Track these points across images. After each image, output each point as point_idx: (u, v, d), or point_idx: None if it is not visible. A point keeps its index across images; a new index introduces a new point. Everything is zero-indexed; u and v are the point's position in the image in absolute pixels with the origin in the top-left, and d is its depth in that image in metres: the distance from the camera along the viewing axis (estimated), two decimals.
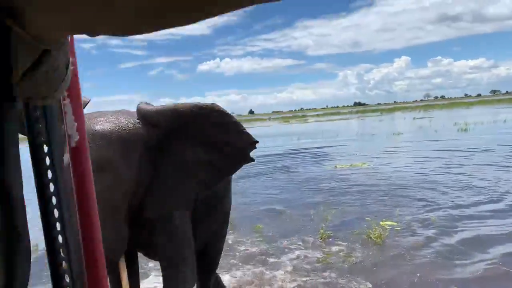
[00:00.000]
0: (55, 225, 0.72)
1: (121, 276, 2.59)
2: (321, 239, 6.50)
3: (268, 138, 27.37)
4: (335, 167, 13.28)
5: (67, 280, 0.74)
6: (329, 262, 5.58)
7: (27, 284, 0.58)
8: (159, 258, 2.90)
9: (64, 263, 0.73)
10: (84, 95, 2.28)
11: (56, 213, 0.72)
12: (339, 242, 6.35)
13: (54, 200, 0.71)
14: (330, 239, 6.51)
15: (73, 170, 0.85)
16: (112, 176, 2.35)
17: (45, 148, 0.70)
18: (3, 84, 0.49)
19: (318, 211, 8.02)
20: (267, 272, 5.25)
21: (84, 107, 2.13)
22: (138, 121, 2.60)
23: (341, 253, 5.90)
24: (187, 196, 2.82)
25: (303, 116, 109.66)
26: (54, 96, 0.63)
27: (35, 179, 0.70)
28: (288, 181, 11.47)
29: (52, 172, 0.71)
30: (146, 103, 2.79)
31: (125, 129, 2.48)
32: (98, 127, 2.43)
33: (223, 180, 3.03)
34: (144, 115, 2.64)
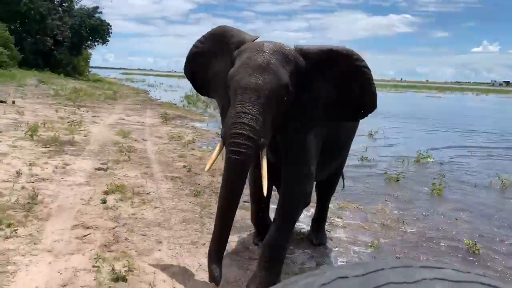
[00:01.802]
0: None
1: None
2: None
3: None
4: None
5: None
6: None
7: None
8: (287, 173, 3.19)
9: None
10: None
11: None
12: None
13: None
14: None
15: None
16: (273, 75, 2.72)
17: None
18: None
19: None
20: None
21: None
22: (294, 50, 2.99)
23: None
24: (316, 125, 3.14)
25: None
26: None
27: None
28: None
29: None
30: (300, 45, 3.13)
31: (286, 49, 2.90)
32: (268, 44, 2.87)
33: (348, 120, 3.32)
34: (300, 48, 3.02)
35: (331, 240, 4.46)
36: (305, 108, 3.02)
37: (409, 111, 26.66)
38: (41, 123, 8.82)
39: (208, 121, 14.78)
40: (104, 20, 39.98)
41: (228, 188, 2.71)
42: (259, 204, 3.77)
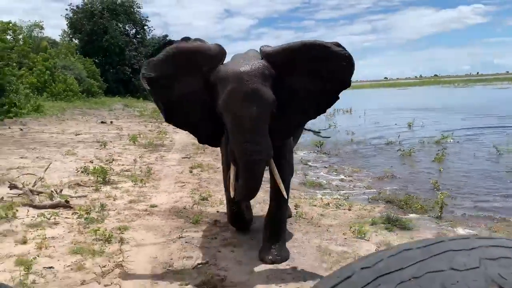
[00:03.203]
0: None
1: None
2: None
3: None
4: None
5: None
6: None
7: None
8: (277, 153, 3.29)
9: None
10: None
11: None
12: None
13: None
14: None
15: None
16: (262, 98, 2.99)
17: None
18: None
19: None
20: None
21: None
22: (263, 60, 3.16)
23: None
24: (297, 126, 3.56)
25: None
26: None
27: None
28: None
29: None
30: (267, 45, 3.31)
31: (260, 66, 3.07)
32: (243, 67, 3.03)
33: (330, 106, 3.44)
34: (266, 55, 3.20)
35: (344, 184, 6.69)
36: (289, 106, 3.29)
37: (459, 103, 27.35)
38: (138, 134, 11.77)
39: None
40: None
41: (252, 190, 3.15)
42: (238, 205, 3.98)
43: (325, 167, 8.40)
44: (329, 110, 15.97)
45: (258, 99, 2.98)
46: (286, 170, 3.64)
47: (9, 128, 12.75)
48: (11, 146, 9.46)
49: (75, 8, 37.52)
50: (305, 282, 3.08)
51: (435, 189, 6.17)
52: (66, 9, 38.79)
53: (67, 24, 37.83)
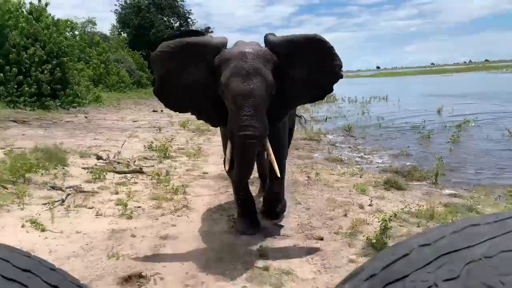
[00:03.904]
0: None
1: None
2: None
3: None
4: None
5: None
6: None
7: None
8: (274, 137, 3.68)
9: None
10: None
11: None
12: None
13: None
14: None
15: None
16: (262, 77, 3.20)
17: None
18: None
19: None
20: None
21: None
22: (266, 49, 3.41)
23: None
24: (293, 107, 3.90)
25: None
26: None
27: None
28: None
29: None
30: (272, 34, 3.56)
31: (263, 51, 3.36)
32: (248, 51, 3.29)
33: (325, 94, 3.76)
34: (270, 44, 3.47)
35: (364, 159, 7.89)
36: (286, 94, 3.55)
37: (497, 90, 27.37)
38: (186, 121, 13.31)
39: (300, 111, 18.47)
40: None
41: (245, 171, 3.40)
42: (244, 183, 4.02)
43: (350, 147, 9.61)
44: (364, 98, 17.46)
45: (258, 78, 3.20)
46: (280, 151, 3.92)
47: (76, 116, 14.66)
48: (82, 130, 11.23)
49: (123, 3, 39.83)
50: (314, 217, 4.43)
51: (440, 164, 7.28)
52: (115, 5, 41.24)
53: (116, 19, 40.27)
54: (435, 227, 0.71)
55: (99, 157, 6.81)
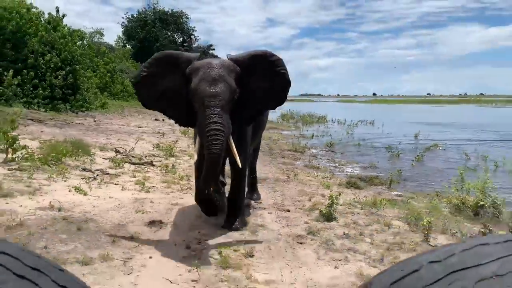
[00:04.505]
0: None
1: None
2: None
3: None
4: None
5: None
6: None
7: None
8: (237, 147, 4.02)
9: None
10: None
11: None
12: None
13: None
14: None
15: None
16: (228, 85, 3.76)
17: None
18: None
19: None
20: None
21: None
22: (231, 62, 4.01)
23: None
24: (254, 114, 4.25)
25: None
26: None
27: None
28: None
29: None
30: (231, 54, 4.19)
31: (227, 62, 3.95)
32: (215, 62, 3.87)
33: (277, 105, 4.29)
34: (233, 59, 4.08)
35: (335, 166, 9.36)
36: (247, 102, 4.01)
37: (476, 121, 29.20)
38: (187, 129, 14.76)
39: (292, 130, 20.06)
40: (216, 55, 47.73)
41: (211, 171, 3.69)
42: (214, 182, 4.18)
43: (328, 159, 11.12)
44: (353, 121, 19.31)
45: (222, 83, 3.72)
46: (243, 162, 4.31)
47: (85, 119, 16.08)
48: (93, 131, 12.63)
49: (130, 17, 41.63)
50: (286, 200, 5.87)
51: (398, 175, 8.77)
52: (122, 18, 43.01)
53: (122, 31, 42.01)
54: (444, 245, 0.73)
55: (117, 151, 8.24)
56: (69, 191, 5.36)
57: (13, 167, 6.06)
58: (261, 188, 6.44)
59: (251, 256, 3.74)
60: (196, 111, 3.85)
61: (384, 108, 64.34)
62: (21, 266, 0.66)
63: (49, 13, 19.52)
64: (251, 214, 5.03)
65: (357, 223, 4.93)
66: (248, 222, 4.67)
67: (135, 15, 41.63)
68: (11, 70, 15.93)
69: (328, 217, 4.90)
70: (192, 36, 45.11)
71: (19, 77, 16.31)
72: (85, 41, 27.98)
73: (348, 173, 8.98)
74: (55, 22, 19.23)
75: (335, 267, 3.64)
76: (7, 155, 6.35)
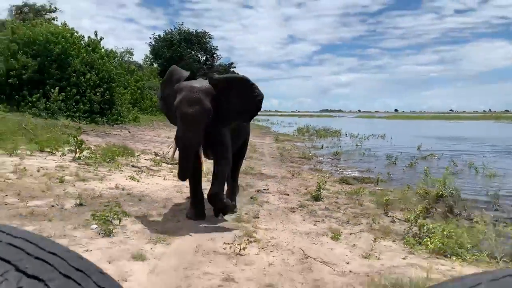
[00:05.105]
0: None
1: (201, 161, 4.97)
2: None
3: None
4: None
5: None
6: None
7: None
8: (216, 155, 5.26)
9: None
10: None
11: None
12: None
13: None
14: None
15: None
16: (201, 106, 4.61)
17: None
18: None
19: None
20: None
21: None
22: (209, 84, 4.87)
23: None
24: (229, 123, 5.12)
25: None
26: None
27: None
28: None
29: None
30: (214, 75, 5.29)
31: (206, 86, 4.77)
32: (195, 85, 4.75)
33: (250, 118, 5.40)
34: (212, 81, 4.93)
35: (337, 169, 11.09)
36: (223, 114, 4.93)
37: (483, 135, 30.42)
38: None
39: (305, 142, 21.83)
40: (237, 73, 50.09)
41: (183, 169, 4.80)
42: (196, 183, 5.34)
43: (331, 164, 12.85)
44: (364, 134, 21.27)
45: (198, 105, 4.61)
46: (224, 153, 5.23)
47: (121, 131, 18.20)
48: (130, 140, 14.65)
49: (157, 37, 44.36)
50: (288, 189, 7.66)
51: (388, 177, 10.46)
52: (150, 38, 45.78)
53: (149, 51, 44.71)
54: (471, 274, 0.71)
55: (156, 153, 10.19)
56: (126, 179, 7.28)
57: (82, 163, 8.04)
58: (269, 183, 8.24)
59: (257, 217, 5.54)
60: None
61: (401, 123, 65.47)
62: (67, 266, 0.69)
63: (89, 37, 21.97)
64: (260, 195, 6.85)
65: (337, 203, 6.71)
66: (256, 199, 6.48)
67: (161, 36, 44.36)
68: (57, 88, 18.30)
69: (316, 198, 6.68)
70: (215, 55, 47.50)
71: (63, 93, 18.60)
72: (116, 60, 30.46)
73: (346, 175, 10.69)
74: (93, 44, 21.62)
75: (314, 225, 5.41)
76: (75, 154, 8.34)
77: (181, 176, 4.97)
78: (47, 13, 37.44)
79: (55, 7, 38.15)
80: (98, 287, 0.71)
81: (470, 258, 4.31)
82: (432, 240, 4.53)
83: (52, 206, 5.18)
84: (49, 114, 17.39)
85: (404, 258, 4.25)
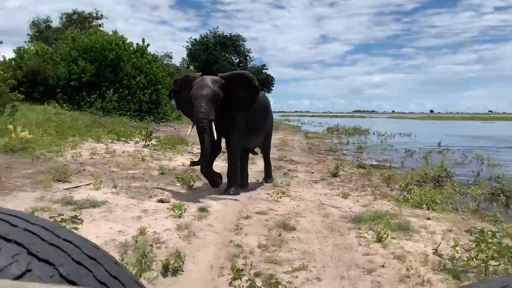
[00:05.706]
0: None
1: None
2: None
3: None
4: None
5: None
6: None
7: None
8: (231, 135, 6.58)
9: None
10: None
11: None
12: None
13: None
14: None
15: None
16: (211, 89, 5.90)
17: None
18: None
19: None
20: None
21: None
22: (218, 78, 6.24)
23: None
24: (237, 108, 6.28)
25: None
26: None
27: None
28: None
29: None
30: (222, 73, 6.54)
31: (215, 78, 6.15)
32: (206, 76, 6.20)
33: (250, 104, 6.33)
34: (221, 76, 6.34)
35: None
36: (231, 101, 6.19)
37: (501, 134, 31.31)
38: None
39: (333, 139, 23.62)
40: (270, 74, 52.28)
41: (204, 142, 5.95)
42: (208, 161, 6.53)
43: (353, 156, 14.67)
44: (391, 133, 23.05)
45: (208, 88, 5.94)
46: (235, 147, 6.63)
47: (167, 127, 20.56)
48: (177, 135, 16.91)
49: (193, 41, 46.96)
50: (314, 171, 9.64)
51: (401, 165, 12.23)
52: (187, 41, 48.48)
53: (186, 54, 47.39)
54: (499, 276, 0.84)
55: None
56: (187, 160, 9.41)
57: (151, 149, 10.26)
58: (298, 166, 10.21)
59: (289, 185, 7.56)
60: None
61: (433, 123, 65.76)
62: (80, 254, 0.72)
63: (137, 43, 24.50)
64: (291, 173, 8.86)
65: (351, 179, 8.63)
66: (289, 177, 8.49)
67: (197, 39, 46.97)
68: (111, 89, 20.86)
69: (335, 174, 8.65)
70: (248, 57, 49.74)
71: (116, 94, 21.13)
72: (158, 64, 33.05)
73: (364, 163, 12.51)
74: (141, 50, 24.13)
75: (330, 190, 7.37)
76: (145, 142, 10.58)
77: (203, 143, 6.09)
78: (94, 20, 40.72)
79: (101, 14, 41.36)
80: (110, 276, 0.74)
81: (438, 209, 6.16)
82: (413, 197, 6.42)
83: (144, 174, 7.36)
84: (105, 113, 19.94)
85: (391, 208, 6.15)
